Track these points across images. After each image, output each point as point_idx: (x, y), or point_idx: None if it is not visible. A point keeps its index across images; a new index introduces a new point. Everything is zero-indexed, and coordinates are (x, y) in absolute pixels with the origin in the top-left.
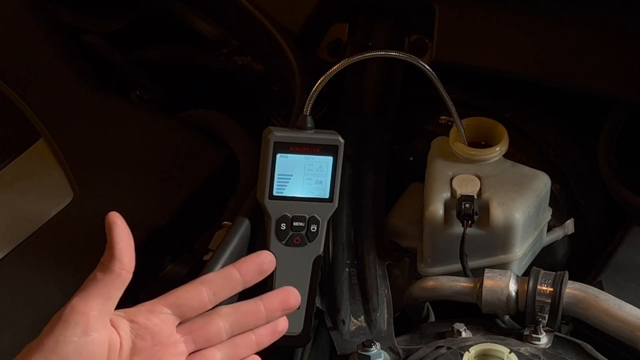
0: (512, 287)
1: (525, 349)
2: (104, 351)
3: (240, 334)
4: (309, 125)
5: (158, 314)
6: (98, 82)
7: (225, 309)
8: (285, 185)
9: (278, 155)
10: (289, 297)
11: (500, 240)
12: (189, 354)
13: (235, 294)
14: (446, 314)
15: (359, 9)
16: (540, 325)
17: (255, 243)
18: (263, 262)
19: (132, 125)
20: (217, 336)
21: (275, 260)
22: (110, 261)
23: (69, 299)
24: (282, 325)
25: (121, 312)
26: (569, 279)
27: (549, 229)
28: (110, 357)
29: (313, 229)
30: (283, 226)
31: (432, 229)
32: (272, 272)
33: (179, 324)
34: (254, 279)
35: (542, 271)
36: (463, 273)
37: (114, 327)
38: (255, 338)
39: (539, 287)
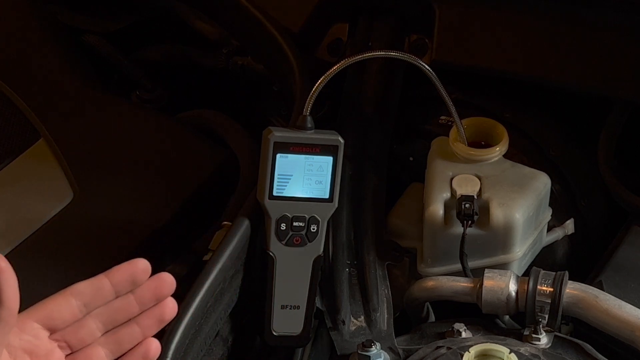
0: (512, 287)
1: (525, 349)
2: None
3: (120, 326)
4: (309, 125)
5: (29, 331)
6: (98, 82)
7: (96, 308)
8: (285, 186)
9: (278, 156)
10: (162, 285)
11: (500, 240)
12: (68, 355)
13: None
14: (446, 314)
15: (359, 9)
16: (540, 325)
17: (255, 243)
18: (136, 271)
19: (132, 125)
20: (90, 336)
21: (150, 268)
22: None
23: None
24: (169, 313)
25: None
26: (569, 279)
27: (549, 229)
28: None
29: (313, 229)
30: (283, 226)
31: (432, 229)
32: (273, 272)
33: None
34: (126, 288)
35: (542, 271)
36: (463, 273)
37: None
38: (141, 330)
39: (539, 287)
